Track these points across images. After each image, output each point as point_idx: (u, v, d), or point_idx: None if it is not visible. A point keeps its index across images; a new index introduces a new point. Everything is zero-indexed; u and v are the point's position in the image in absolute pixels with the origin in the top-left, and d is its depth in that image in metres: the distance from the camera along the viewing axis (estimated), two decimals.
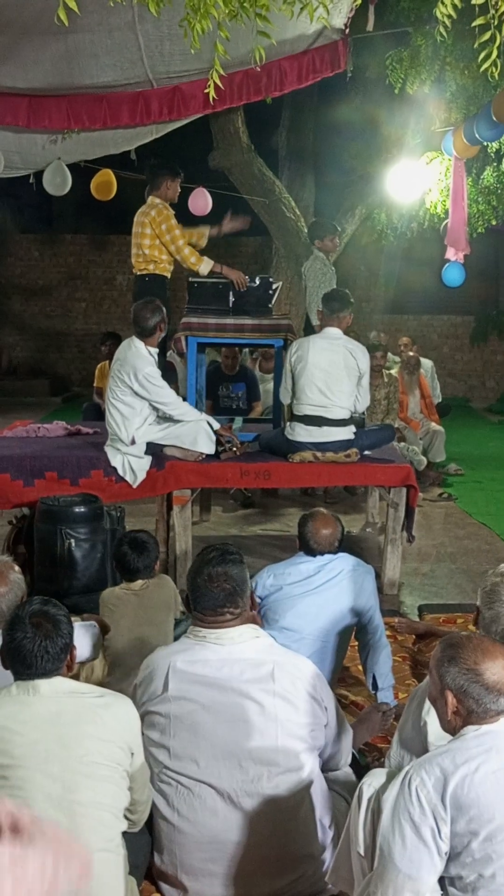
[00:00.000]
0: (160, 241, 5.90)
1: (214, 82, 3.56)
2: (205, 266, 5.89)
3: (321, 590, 3.70)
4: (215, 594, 2.63)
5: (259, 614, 3.79)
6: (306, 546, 3.77)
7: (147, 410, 5.23)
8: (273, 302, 6.02)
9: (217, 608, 2.64)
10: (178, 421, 5.28)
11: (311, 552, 3.75)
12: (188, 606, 2.73)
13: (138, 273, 6.07)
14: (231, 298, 5.89)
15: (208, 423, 5.35)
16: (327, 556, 3.75)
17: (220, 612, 2.64)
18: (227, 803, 2.56)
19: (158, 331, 5.19)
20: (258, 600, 3.79)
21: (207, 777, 2.57)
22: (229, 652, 2.63)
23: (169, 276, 6.08)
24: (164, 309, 5.23)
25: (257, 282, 5.93)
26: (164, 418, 5.32)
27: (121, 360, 5.18)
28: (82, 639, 3.34)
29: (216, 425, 5.38)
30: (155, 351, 5.23)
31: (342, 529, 3.83)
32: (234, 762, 2.56)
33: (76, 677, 2.80)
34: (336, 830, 2.66)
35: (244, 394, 7.94)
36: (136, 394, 5.12)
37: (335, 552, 3.78)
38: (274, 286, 6.01)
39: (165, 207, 5.92)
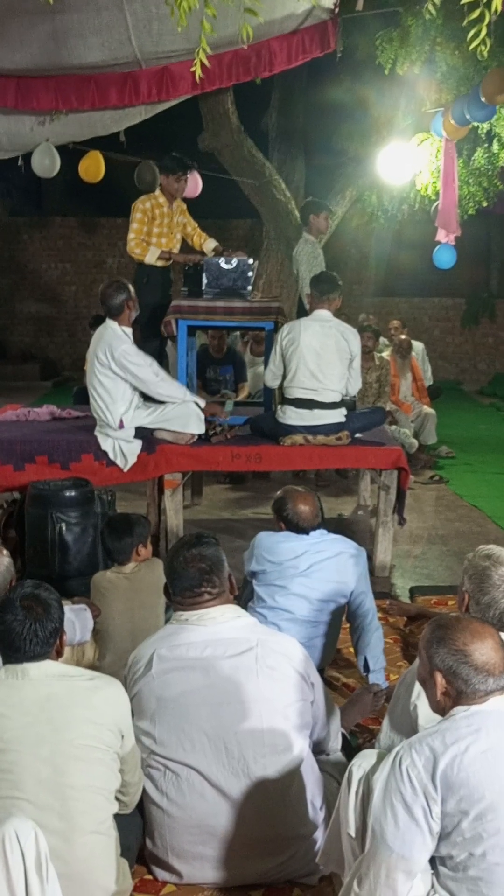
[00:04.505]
0: None
1: (201, 61, 3.52)
2: (149, 256, 6.17)
3: (312, 571, 3.67)
4: (192, 574, 2.67)
5: (252, 592, 3.79)
6: (294, 527, 3.73)
7: (129, 394, 5.17)
8: (251, 282, 5.96)
9: (194, 587, 2.67)
10: (164, 403, 5.26)
11: (302, 531, 3.72)
12: (168, 595, 2.76)
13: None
14: (204, 280, 5.86)
15: (195, 402, 5.33)
16: (315, 536, 3.72)
17: (197, 592, 2.68)
18: (214, 786, 2.57)
19: (127, 308, 5.12)
20: (248, 578, 3.79)
21: (194, 760, 2.57)
22: (212, 632, 2.65)
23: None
24: (129, 287, 5.17)
25: (234, 262, 5.87)
26: (151, 401, 5.29)
27: (96, 342, 5.15)
28: (73, 622, 3.35)
29: (202, 403, 5.36)
30: (129, 330, 5.16)
31: (318, 498, 3.83)
32: (220, 744, 2.56)
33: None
34: (327, 811, 2.66)
35: (231, 376, 7.97)
36: (116, 374, 5.07)
37: (320, 526, 3.76)
38: (251, 268, 5.95)
39: (143, 201, 6.21)
